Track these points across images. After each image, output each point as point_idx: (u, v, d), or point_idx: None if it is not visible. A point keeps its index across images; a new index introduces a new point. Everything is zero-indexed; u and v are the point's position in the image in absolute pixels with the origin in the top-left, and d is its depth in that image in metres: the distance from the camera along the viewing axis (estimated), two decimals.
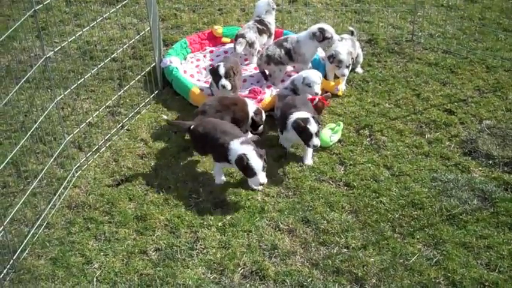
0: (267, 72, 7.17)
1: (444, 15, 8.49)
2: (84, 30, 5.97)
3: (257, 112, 6.23)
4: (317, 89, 6.42)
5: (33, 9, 5.02)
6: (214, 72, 6.54)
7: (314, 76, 6.45)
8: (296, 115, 5.80)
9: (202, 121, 5.86)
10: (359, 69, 7.29)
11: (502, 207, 5.24)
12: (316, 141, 5.72)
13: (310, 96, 6.36)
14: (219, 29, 8.00)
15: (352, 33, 7.33)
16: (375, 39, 8.03)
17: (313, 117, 5.76)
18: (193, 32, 8.30)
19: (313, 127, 5.68)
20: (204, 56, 7.76)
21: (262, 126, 6.31)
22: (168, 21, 8.71)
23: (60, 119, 6.01)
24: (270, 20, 7.54)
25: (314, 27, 7.02)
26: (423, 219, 5.20)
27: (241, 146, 5.41)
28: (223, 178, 5.71)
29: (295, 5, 8.98)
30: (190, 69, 7.44)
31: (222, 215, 5.33)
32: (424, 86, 7.01)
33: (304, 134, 5.71)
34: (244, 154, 5.32)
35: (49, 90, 6.88)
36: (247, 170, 5.36)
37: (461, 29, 8.22)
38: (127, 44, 6.88)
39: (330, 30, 6.93)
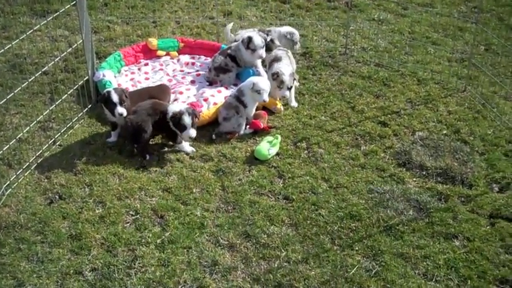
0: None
1: (376, 29, 8.68)
2: (13, 43, 5.75)
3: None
4: (265, 96, 6.47)
5: None
6: (106, 99, 6.15)
7: (263, 83, 6.51)
8: None
9: None
10: (295, 82, 7.33)
11: (437, 217, 5.36)
12: None
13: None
14: (153, 41, 7.89)
15: (271, 41, 7.45)
16: (310, 52, 8.14)
17: None
18: (127, 44, 8.17)
19: None
20: (139, 69, 7.64)
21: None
22: (101, 34, 8.55)
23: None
24: None
25: (246, 34, 7.28)
26: (361, 230, 5.25)
27: None
28: None
29: (230, 18, 8.97)
30: (125, 82, 7.29)
31: (161, 231, 5.22)
32: (359, 99, 7.13)
33: None
34: None
35: None
36: None
37: (392, 43, 8.44)
38: (59, 57, 6.66)
39: (256, 41, 7.04)
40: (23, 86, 5.93)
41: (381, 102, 7.08)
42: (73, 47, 6.75)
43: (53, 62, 6.54)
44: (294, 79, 6.92)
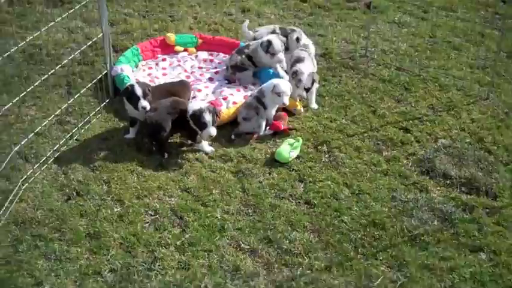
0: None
1: (396, 32, 8.56)
2: (35, 34, 5.63)
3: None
4: (286, 99, 6.33)
5: None
6: (130, 93, 6.04)
7: (284, 86, 6.37)
8: None
9: None
10: (315, 84, 7.19)
11: (462, 228, 5.24)
12: None
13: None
14: (171, 36, 7.75)
15: (297, 39, 7.29)
16: (329, 53, 8.00)
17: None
18: (144, 38, 8.04)
19: None
20: (157, 64, 7.51)
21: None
22: (118, 27, 8.42)
23: (9, 129, 5.63)
24: None
25: (265, 37, 7.03)
26: (385, 239, 5.13)
27: None
28: None
29: (248, 15, 8.85)
30: (142, 77, 7.15)
31: (181, 233, 5.10)
32: (380, 103, 7.01)
33: None
34: None
35: None
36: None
37: (413, 46, 8.31)
38: (79, 50, 6.50)
39: (276, 46, 6.88)
40: (43, 78, 5.80)
41: (402, 107, 6.95)
42: (93, 40, 6.59)
43: (72, 56, 6.35)
44: (314, 80, 6.76)
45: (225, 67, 7.42)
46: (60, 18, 5.96)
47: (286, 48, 7.23)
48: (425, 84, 7.41)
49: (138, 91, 5.96)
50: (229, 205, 5.43)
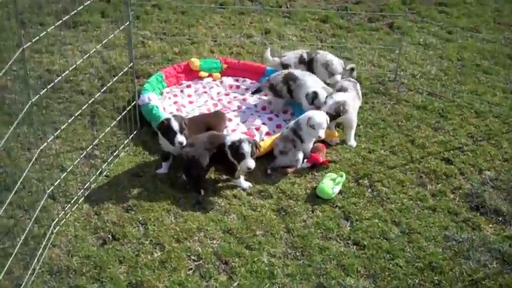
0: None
1: (423, 54, 8.31)
2: (73, 67, 5.26)
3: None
4: (321, 132, 6.00)
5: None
6: (167, 127, 5.72)
7: (320, 118, 6.03)
8: None
9: None
10: (348, 116, 6.83)
11: None
12: None
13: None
14: (196, 61, 7.43)
15: (352, 70, 7.05)
16: (358, 77, 7.70)
17: None
18: (165, 62, 7.71)
19: None
20: (181, 91, 7.18)
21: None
22: (136, 50, 8.07)
23: (42, 169, 5.27)
24: None
25: (311, 88, 6.63)
26: (445, 285, 4.82)
27: None
28: None
29: (268, 37, 8.55)
30: (169, 106, 6.83)
31: (228, 280, 4.76)
32: (417, 131, 6.73)
33: None
34: None
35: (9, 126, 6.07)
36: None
37: (442, 70, 8.06)
38: (111, 82, 6.14)
39: (323, 99, 6.52)
40: (76, 114, 5.44)
41: (440, 136, 6.67)
42: (124, 70, 6.20)
43: (105, 88, 6.00)
44: (342, 110, 6.36)
45: (251, 93, 7.15)
46: (94, 49, 5.60)
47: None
48: (461, 111, 7.15)
49: (175, 126, 5.63)
50: (275, 247, 5.10)
